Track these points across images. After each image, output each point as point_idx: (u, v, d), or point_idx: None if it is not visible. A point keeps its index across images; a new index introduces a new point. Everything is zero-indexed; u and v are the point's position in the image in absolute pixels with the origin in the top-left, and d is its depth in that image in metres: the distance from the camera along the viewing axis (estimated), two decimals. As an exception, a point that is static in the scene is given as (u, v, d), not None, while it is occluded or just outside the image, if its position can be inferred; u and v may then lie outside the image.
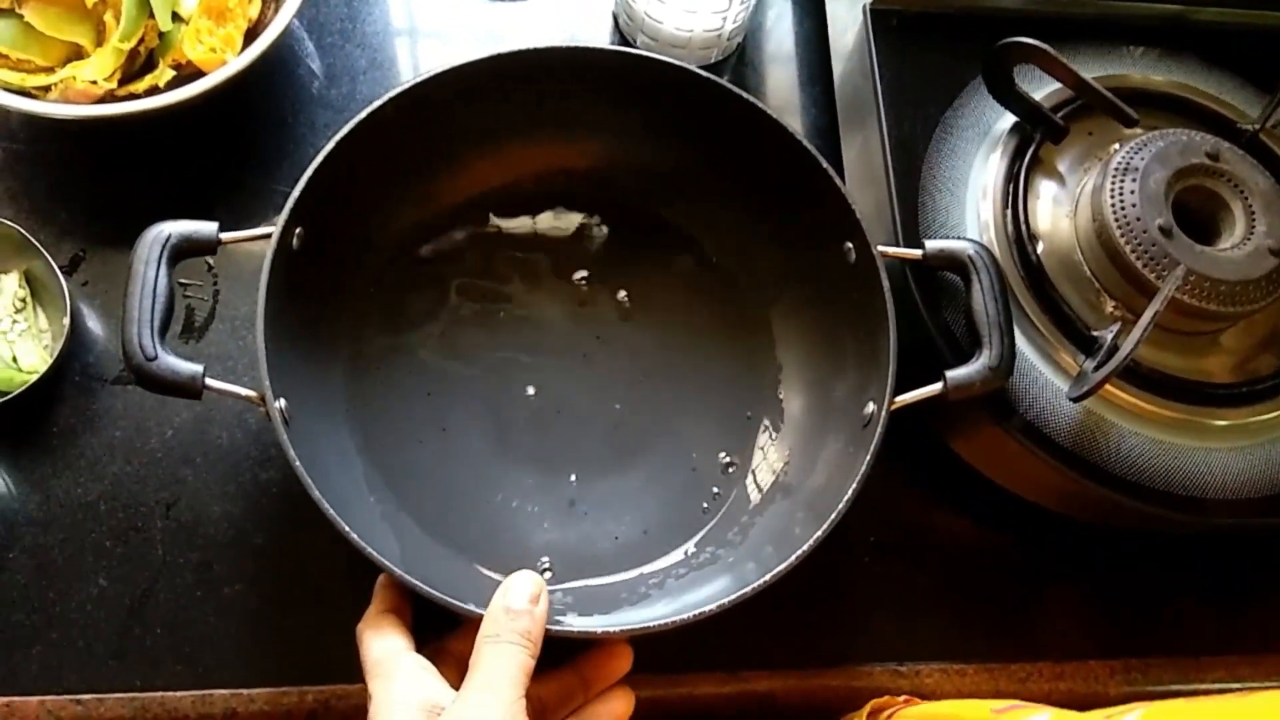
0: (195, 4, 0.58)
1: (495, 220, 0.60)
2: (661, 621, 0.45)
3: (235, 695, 0.52)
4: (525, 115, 0.58)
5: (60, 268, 0.55)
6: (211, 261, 0.60)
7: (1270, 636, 0.59)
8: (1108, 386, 0.51)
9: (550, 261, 0.60)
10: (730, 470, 0.57)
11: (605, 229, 0.61)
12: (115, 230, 0.60)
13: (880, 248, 0.52)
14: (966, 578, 0.59)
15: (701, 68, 0.55)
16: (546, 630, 0.43)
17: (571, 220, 0.61)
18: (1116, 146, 0.56)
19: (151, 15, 0.58)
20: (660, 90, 0.56)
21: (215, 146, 0.63)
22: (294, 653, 0.53)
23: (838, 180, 0.53)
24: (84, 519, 0.54)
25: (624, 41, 0.69)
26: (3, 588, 0.53)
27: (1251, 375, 0.55)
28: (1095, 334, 0.53)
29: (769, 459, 0.56)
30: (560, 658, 0.46)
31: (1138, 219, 0.52)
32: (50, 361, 0.54)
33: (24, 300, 0.57)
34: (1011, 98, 0.56)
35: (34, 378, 0.53)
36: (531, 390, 0.57)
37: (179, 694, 0.52)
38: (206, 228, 0.49)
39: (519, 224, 0.60)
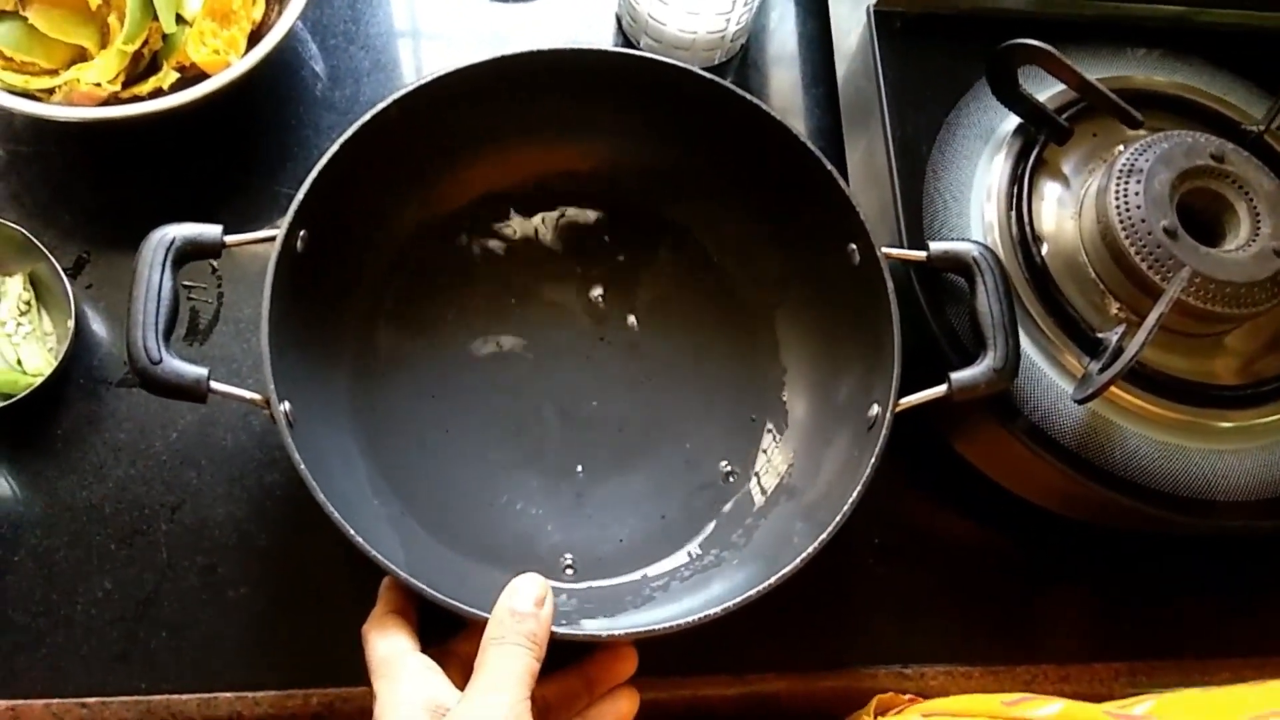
0: (199, 6, 0.58)
1: (498, 222, 0.60)
2: (666, 625, 0.45)
3: (240, 698, 0.52)
4: (529, 117, 0.57)
5: (64, 270, 0.55)
6: (216, 264, 0.60)
7: (1275, 638, 0.59)
8: (1113, 388, 0.51)
9: (554, 263, 0.60)
10: (734, 473, 0.56)
11: (610, 231, 0.61)
12: (119, 233, 0.60)
13: (884, 249, 0.52)
14: (970, 579, 0.59)
15: (705, 69, 0.55)
16: (552, 633, 0.43)
17: (575, 222, 0.61)
18: (1121, 148, 0.56)
19: (155, 17, 0.58)
20: (663, 92, 0.56)
21: (219, 149, 0.63)
22: (299, 655, 0.53)
23: (841, 182, 0.53)
24: (89, 522, 0.54)
25: (627, 43, 0.69)
26: (7, 590, 0.53)
27: (1257, 377, 0.55)
28: (1100, 336, 0.53)
29: (773, 462, 0.56)
30: (565, 659, 0.46)
31: (1142, 221, 0.52)
32: (55, 364, 0.54)
33: (28, 303, 0.57)
34: (1016, 99, 0.56)
35: (38, 381, 0.53)
36: (535, 392, 0.57)
37: (184, 697, 0.52)
38: (211, 231, 0.49)
39: (522, 225, 0.60)
